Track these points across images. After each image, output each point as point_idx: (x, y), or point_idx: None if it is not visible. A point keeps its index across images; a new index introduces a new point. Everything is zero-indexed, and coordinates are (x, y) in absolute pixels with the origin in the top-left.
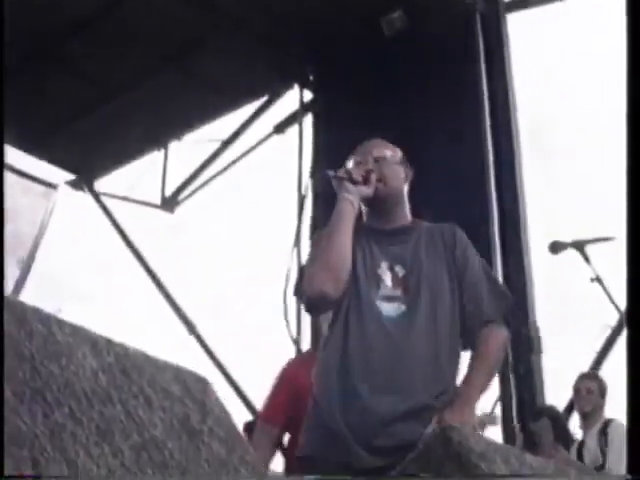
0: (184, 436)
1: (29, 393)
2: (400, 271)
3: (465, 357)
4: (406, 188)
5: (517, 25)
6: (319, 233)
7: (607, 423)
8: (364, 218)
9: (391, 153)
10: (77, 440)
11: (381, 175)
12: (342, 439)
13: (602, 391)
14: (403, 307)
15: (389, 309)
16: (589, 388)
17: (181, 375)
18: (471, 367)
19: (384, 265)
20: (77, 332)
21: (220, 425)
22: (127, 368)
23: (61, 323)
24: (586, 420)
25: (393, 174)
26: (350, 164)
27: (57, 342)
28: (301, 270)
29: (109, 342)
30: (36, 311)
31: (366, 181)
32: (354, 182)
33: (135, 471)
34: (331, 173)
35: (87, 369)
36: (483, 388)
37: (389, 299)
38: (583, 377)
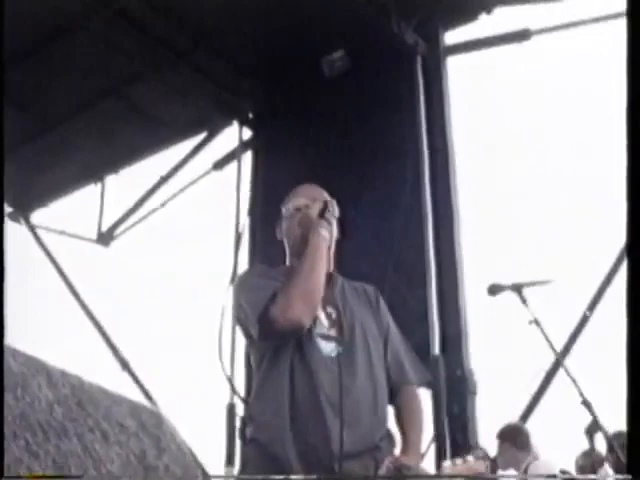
0: (140, 472)
1: None
2: (332, 312)
3: None
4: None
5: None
6: (260, 266)
7: (528, 465)
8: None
9: (324, 203)
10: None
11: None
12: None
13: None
14: (340, 348)
15: (327, 348)
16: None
17: (136, 409)
18: (409, 420)
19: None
20: (31, 362)
21: (176, 462)
22: (83, 401)
23: (15, 353)
24: None
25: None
26: (297, 204)
27: (12, 372)
28: (269, 297)
29: (64, 374)
30: None
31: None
32: (329, 222)
33: None
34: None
35: (42, 401)
36: (422, 438)
37: (326, 338)
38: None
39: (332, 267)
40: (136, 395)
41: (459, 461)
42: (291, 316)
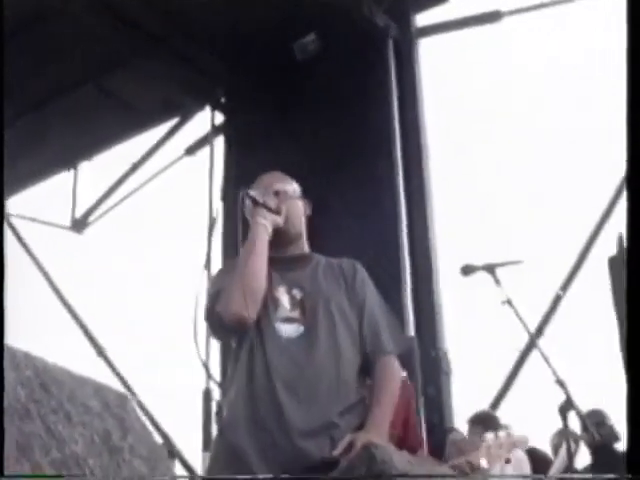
0: (105, 453)
1: None
2: (298, 294)
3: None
4: (304, 221)
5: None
6: (228, 261)
7: None
8: None
9: (291, 187)
10: None
11: (280, 210)
12: (247, 463)
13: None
14: (301, 328)
15: (289, 330)
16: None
17: (101, 390)
18: (377, 393)
19: (282, 289)
20: None
21: (141, 442)
22: (46, 383)
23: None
24: None
25: (293, 208)
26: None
27: None
28: (214, 295)
29: (27, 356)
30: None
31: (278, 211)
32: (269, 209)
33: None
34: (252, 193)
35: (5, 382)
36: (389, 413)
37: (287, 320)
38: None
39: (306, 248)
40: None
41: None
42: (233, 312)
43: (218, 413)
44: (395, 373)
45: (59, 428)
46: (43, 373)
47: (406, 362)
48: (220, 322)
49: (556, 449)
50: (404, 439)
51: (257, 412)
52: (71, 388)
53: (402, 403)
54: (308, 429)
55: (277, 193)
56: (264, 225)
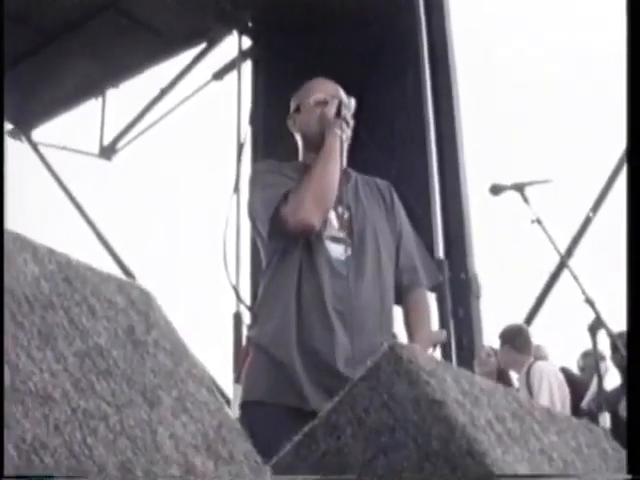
0: (129, 346)
1: None
2: (344, 212)
3: None
4: None
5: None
6: (272, 162)
7: (530, 366)
8: (301, 158)
9: (352, 102)
10: (18, 343)
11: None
12: (296, 382)
13: (512, 346)
14: (349, 250)
15: (336, 251)
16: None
17: (125, 287)
18: (417, 319)
19: None
20: (17, 240)
21: (165, 338)
22: (69, 277)
23: (1, 231)
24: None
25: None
26: (317, 98)
27: None
28: (278, 196)
29: (51, 251)
30: None
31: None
32: (347, 124)
33: (79, 377)
34: (339, 102)
35: (28, 275)
36: (427, 346)
37: (335, 240)
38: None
39: (345, 164)
40: None
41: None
42: (302, 217)
43: (248, 337)
44: (428, 305)
45: (83, 320)
46: (67, 268)
47: (435, 287)
48: (284, 225)
49: (582, 370)
50: None
51: (308, 333)
52: (94, 283)
53: None
54: (359, 356)
55: (347, 106)
56: (340, 137)
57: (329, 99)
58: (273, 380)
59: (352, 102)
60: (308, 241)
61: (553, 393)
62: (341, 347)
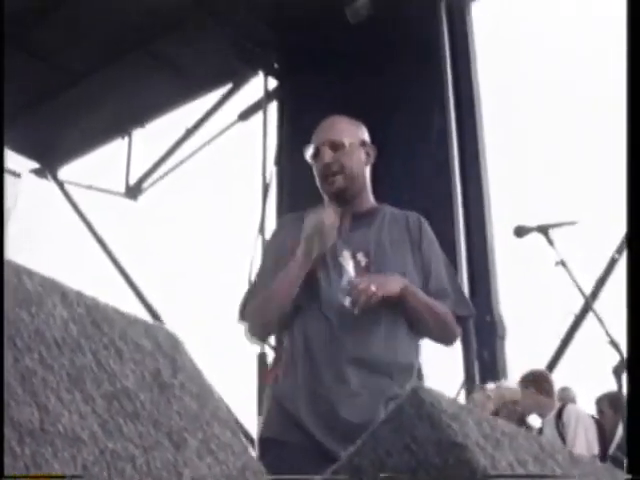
0: (155, 389)
1: None
2: (363, 260)
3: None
4: (368, 170)
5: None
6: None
7: (561, 408)
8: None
9: (349, 139)
10: (47, 385)
11: (339, 166)
12: (303, 425)
13: (538, 389)
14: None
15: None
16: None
17: (152, 330)
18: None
19: (346, 253)
20: (47, 282)
21: (191, 381)
22: (97, 320)
23: (31, 274)
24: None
25: (352, 162)
26: (310, 154)
27: (26, 291)
28: (251, 289)
29: (79, 294)
30: (7, 262)
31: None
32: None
33: (107, 419)
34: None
35: (57, 318)
36: (421, 304)
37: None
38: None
39: (370, 200)
40: None
41: (490, 386)
42: (250, 335)
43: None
44: (449, 316)
45: (110, 363)
46: (95, 311)
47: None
48: (246, 324)
49: (599, 411)
50: None
51: (319, 385)
52: (122, 326)
53: None
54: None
55: (333, 146)
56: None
57: (320, 147)
58: (283, 421)
59: (350, 134)
60: (320, 292)
61: (589, 437)
62: (351, 387)
